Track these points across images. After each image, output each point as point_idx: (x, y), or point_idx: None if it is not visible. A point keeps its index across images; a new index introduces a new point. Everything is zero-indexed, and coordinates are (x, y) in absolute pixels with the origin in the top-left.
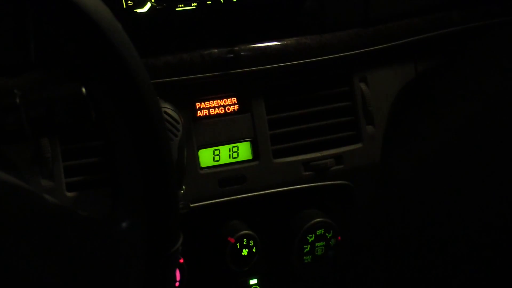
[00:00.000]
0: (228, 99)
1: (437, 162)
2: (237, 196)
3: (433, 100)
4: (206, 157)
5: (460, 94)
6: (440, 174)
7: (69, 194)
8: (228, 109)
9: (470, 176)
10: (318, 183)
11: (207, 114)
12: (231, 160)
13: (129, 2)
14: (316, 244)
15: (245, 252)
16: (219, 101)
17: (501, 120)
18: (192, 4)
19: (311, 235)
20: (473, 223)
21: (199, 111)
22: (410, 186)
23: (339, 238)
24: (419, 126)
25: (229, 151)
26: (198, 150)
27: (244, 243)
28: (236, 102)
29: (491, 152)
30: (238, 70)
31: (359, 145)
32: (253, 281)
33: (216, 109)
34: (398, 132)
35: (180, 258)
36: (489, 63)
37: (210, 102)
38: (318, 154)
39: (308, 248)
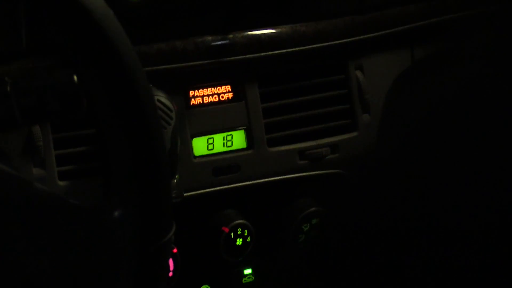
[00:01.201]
0: (222, 87)
1: (428, 147)
2: (231, 185)
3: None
4: (200, 145)
5: (448, 74)
6: (432, 160)
7: (61, 182)
8: (222, 97)
9: (465, 163)
10: (313, 172)
11: (201, 102)
12: (225, 149)
13: None
14: (311, 234)
15: (239, 241)
16: (213, 89)
17: (486, 104)
18: None
19: (306, 225)
20: (471, 212)
21: (192, 99)
22: (404, 173)
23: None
24: (409, 110)
25: (223, 139)
26: (192, 138)
27: (239, 232)
28: (230, 90)
29: (482, 135)
30: (232, 58)
31: (354, 134)
32: (247, 271)
33: (210, 97)
34: (393, 119)
35: (173, 248)
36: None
37: (204, 90)
38: (313, 143)
39: (303, 237)
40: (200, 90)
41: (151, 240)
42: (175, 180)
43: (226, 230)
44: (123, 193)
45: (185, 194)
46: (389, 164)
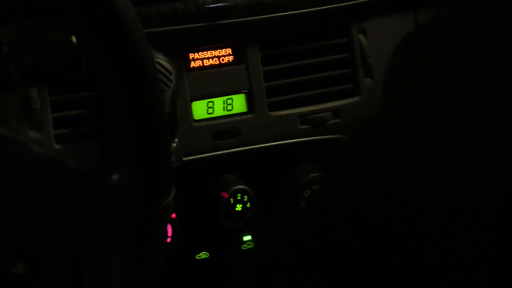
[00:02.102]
0: (223, 50)
1: (431, 112)
2: (232, 150)
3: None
4: (200, 109)
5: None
6: (435, 124)
7: (57, 146)
8: (223, 60)
9: (469, 126)
10: (315, 137)
11: (201, 65)
12: (226, 113)
13: None
14: (312, 200)
15: (239, 207)
16: (213, 51)
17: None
18: None
19: (307, 191)
20: (477, 178)
21: (192, 62)
22: (407, 138)
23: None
24: (411, 72)
25: (224, 103)
26: (191, 102)
27: (238, 198)
28: (231, 53)
29: (486, 99)
30: (233, 20)
31: (357, 98)
32: (247, 238)
33: (210, 60)
34: (396, 83)
35: (172, 213)
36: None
37: (204, 52)
38: (315, 107)
39: (304, 203)
40: (200, 53)
41: (150, 204)
42: (174, 144)
43: (226, 195)
44: (121, 156)
45: (184, 159)
46: (391, 129)
